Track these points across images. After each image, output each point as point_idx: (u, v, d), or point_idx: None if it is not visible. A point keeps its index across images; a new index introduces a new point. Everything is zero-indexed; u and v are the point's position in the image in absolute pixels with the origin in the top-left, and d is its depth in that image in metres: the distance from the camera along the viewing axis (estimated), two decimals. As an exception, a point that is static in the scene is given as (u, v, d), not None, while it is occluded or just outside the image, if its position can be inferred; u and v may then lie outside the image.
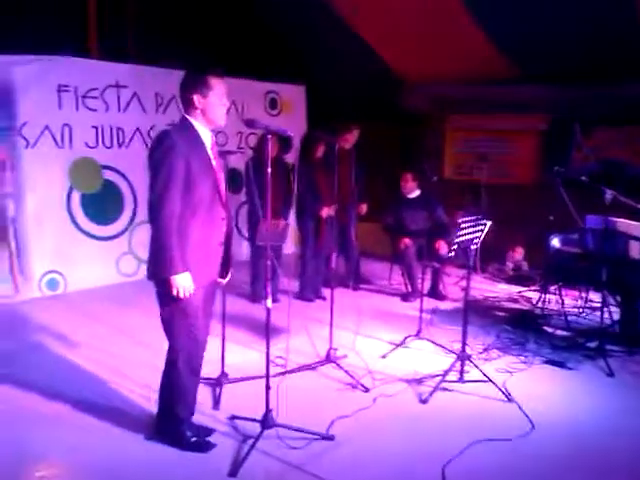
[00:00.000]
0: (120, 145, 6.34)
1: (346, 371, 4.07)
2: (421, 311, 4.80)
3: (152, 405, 3.38)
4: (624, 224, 4.56)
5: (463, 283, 4.17)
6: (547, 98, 6.86)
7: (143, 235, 6.16)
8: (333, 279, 4.56)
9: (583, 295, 5.72)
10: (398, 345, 4.62)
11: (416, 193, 6.24)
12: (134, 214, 6.46)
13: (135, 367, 4.06)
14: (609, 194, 4.50)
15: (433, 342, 4.62)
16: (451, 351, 4.37)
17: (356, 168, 6.00)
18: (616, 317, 4.95)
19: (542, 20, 6.01)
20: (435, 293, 6.06)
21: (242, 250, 6.61)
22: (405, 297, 6.07)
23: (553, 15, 5.90)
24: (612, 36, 5.82)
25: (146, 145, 6.43)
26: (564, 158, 6.71)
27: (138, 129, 6.45)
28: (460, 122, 7.84)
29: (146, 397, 3.59)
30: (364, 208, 6.19)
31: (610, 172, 6.41)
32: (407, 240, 6.01)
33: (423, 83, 7.61)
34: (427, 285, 5.91)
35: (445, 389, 3.86)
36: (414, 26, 6.74)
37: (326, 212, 5.61)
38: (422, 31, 6.75)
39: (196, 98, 2.87)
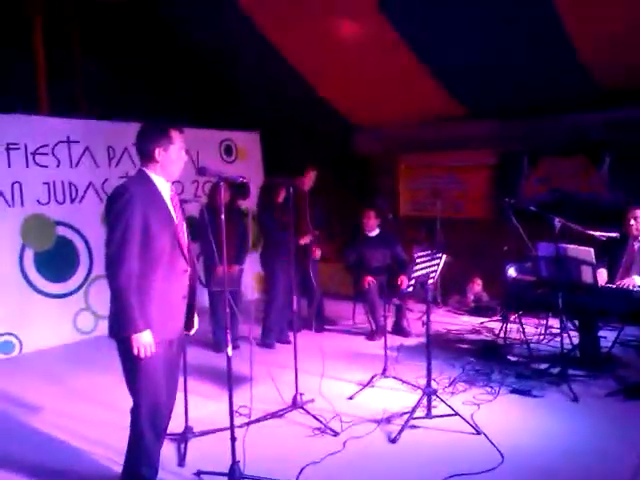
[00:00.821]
0: (73, 200, 6.25)
1: (314, 416, 4.01)
2: (386, 349, 4.80)
3: (116, 467, 3.25)
4: (574, 249, 4.65)
5: (425, 318, 4.19)
6: (494, 134, 7.08)
7: (100, 290, 6.04)
8: (296, 322, 4.52)
9: (543, 322, 5.82)
10: (365, 385, 4.59)
11: (376, 231, 6.32)
12: (90, 269, 6.32)
13: (97, 428, 3.91)
14: (557, 222, 4.64)
15: (399, 379, 4.62)
16: (417, 387, 4.38)
17: (313, 210, 6.06)
18: (576, 341, 5.04)
19: (486, 60, 6.23)
20: (399, 329, 6.08)
21: (204, 298, 6.52)
22: (370, 336, 6.07)
23: (497, 55, 6.13)
24: (551, 73, 6.09)
25: (100, 199, 6.37)
26: (514, 190, 6.91)
27: (91, 183, 6.38)
28: (412, 160, 8.03)
29: (110, 459, 3.45)
30: (318, 253, 6.15)
31: (560, 201, 6.62)
32: (370, 278, 6.04)
33: (373, 126, 7.80)
34: (391, 322, 5.93)
35: (414, 426, 3.84)
36: (361, 72, 6.92)
37: (304, 240, 5.77)
38: (370, 77, 6.93)
39: (157, 151, 2.87)
